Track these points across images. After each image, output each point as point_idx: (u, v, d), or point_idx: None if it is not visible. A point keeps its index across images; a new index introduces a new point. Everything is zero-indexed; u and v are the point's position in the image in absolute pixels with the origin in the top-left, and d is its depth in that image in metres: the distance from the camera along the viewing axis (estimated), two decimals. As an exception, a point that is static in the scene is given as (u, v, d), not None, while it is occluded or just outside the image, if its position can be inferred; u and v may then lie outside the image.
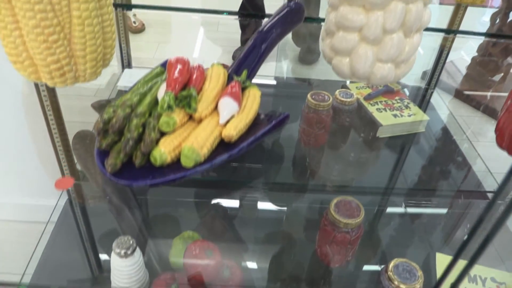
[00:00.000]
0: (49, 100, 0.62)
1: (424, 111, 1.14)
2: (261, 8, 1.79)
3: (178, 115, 0.45)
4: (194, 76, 0.49)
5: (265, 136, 0.50)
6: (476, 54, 1.84)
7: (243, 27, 1.84)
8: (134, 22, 1.90)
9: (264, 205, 0.87)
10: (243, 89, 0.54)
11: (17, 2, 0.50)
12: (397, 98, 1.11)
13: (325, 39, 0.65)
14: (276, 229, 0.83)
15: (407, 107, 1.08)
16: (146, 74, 0.53)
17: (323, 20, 1.07)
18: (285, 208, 0.88)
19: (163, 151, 0.44)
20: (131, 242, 0.49)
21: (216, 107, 0.49)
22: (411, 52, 0.62)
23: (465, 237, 0.79)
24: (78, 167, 0.84)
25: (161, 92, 0.47)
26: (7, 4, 0.51)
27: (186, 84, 0.48)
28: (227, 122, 0.48)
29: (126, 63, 1.32)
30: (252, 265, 0.73)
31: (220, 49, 1.83)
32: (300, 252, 0.78)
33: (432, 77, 1.30)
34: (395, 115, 1.04)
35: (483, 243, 0.70)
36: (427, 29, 0.63)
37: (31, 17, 0.50)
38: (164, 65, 0.55)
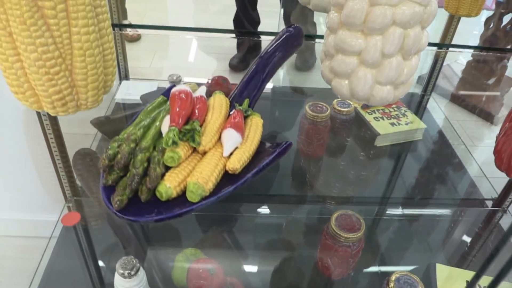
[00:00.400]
0: (51, 126, 0.62)
1: (421, 117, 1.15)
2: (255, 17, 1.79)
3: (182, 149, 0.46)
4: (197, 108, 0.49)
5: (269, 166, 0.50)
6: (471, 58, 1.85)
7: (238, 33, 1.85)
8: (130, 31, 1.89)
9: (264, 217, 0.88)
10: (245, 117, 0.54)
11: (18, 36, 0.50)
12: (394, 106, 1.12)
13: (324, 61, 0.66)
14: (277, 241, 0.83)
15: (404, 115, 1.09)
16: (148, 105, 0.53)
17: (319, 37, 1.08)
18: (285, 220, 0.88)
19: (169, 186, 0.44)
20: (134, 262, 0.49)
21: (219, 138, 0.50)
22: (409, 74, 0.62)
23: (466, 247, 0.80)
24: (78, 183, 0.85)
25: (165, 126, 0.47)
26: (8, 38, 0.51)
27: (189, 117, 0.49)
28: (231, 153, 0.48)
29: (123, 74, 1.32)
30: (254, 279, 0.74)
31: (216, 56, 1.83)
32: (301, 265, 0.78)
33: (428, 84, 1.31)
34: (392, 124, 1.05)
35: (490, 256, 0.71)
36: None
37: (32, 50, 0.50)
38: (165, 94, 0.56)
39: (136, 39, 1.93)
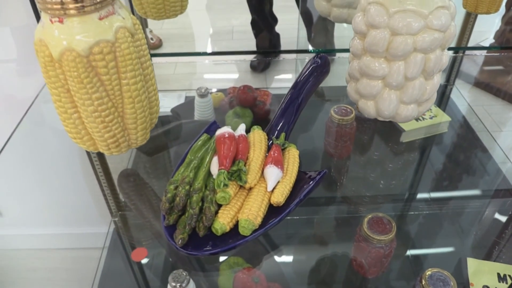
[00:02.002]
0: (97, 154, 0.69)
1: (445, 108, 1.16)
2: (271, 18, 1.81)
3: (231, 189, 0.52)
4: (240, 147, 0.55)
5: (308, 195, 0.55)
6: (493, 41, 1.83)
7: (257, 34, 1.88)
8: (152, 39, 1.94)
9: (297, 220, 0.92)
10: (283, 150, 0.60)
11: (76, 93, 0.56)
12: None
13: (350, 82, 0.70)
14: (311, 243, 0.88)
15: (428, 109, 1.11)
16: (194, 144, 0.59)
17: (338, 51, 1.10)
18: (318, 221, 0.93)
19: (223, 223, 0.50)
20: (184, 275, 0.54)
21: (262, 173, 0.55)
22: (432, 91, 0.66)
23: (497, 238, 0.83)
24: (122, 199, 0.92)
25: (214, 167, 0.53)
26: (67, 94, 0.57)
27: (234, 156, 0.54)
28: (274, 188, 0.54)
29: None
30: (293, 281, 0.79)
31: (237, 58, 1.86)
32: (337, 264, 0.83)
33: (451, 74, 1.32)
34: (417, 119, 1.07)
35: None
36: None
37: (89, 104, 0.56)
38: (207, 131, 0.61)
39: (157, 46, 1.98)
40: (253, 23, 1.83)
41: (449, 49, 1.17)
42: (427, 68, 0.62)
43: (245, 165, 0.54)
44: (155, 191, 0.87)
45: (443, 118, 1.08)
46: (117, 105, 0.59)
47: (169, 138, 1.16)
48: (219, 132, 0.57)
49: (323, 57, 0.66)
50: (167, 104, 1.28)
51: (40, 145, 1.03)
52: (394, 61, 0.61)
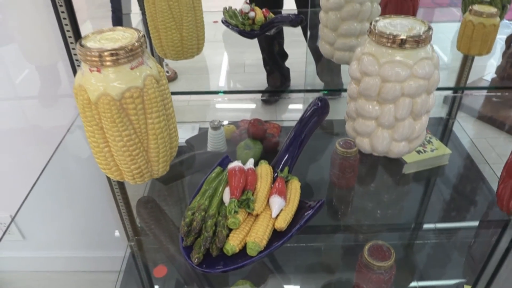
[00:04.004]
0: (117, 182, 0.77)
1: (447, 141, 1.21)
2: (281, 56, 1.91)
3: (241, 215, 0.60)
4: (249, 179, 0.64)
5: (308, 222, 0.63)
6: (495, 75, 1.91)
7: (267, 72, 1.97)
8: (167, 72, 2.05)
9: (303, 247, 0.98)
10: (286, 181, 0.68)
11: (108, 130, 0.65)
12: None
13: (348, 121, 0.78)
14: (316, 268, 0.93)
15: (429, 142, 1.14)
16: (209, 176, 0.67)
17: (344, 90, 1.18)
18: (322, 248, 0.98)
19: (233, 245, 0.58)
20: None
21: (268, 202, 0.64)
22: (421, 130, 0.74)
23: (495, 267, 0.88)
24: (139, 224, 0.99)
25: (226, 197, 0.62)
26: (100, 131, 0.66)
27: (244, 187, 0.63)
28: (278, 215, 0.62)
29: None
30: None
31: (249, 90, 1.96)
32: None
33: (452, 108, 1.38)
34: (418, 151, 1.11)
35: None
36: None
37: (119, 140, 0.65)
38: (220, 164, 0.70)
39: (173, 78, 2.09)
40: (264, 61, 1.94)
41: (449, 89, 1.25)
42: (414, 110, 0.70)
43: (253, 195, 0.62)
44: (170, 217, 0.94)
45: (444, 151, 1.13)
46: (142, 140, 0.68)
47: (183, 168, 1.25)
48: (230, 166, 0.66)
49: (323, 100, 0.75)
50: (181, 135, 1.36)
51: (66, 173, 1.12)
52: (385, 104, 0.70)
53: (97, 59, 0.61)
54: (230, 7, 1.23)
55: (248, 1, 1.21)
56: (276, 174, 0.69)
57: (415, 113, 0.71)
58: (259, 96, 1.94)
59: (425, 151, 1.11)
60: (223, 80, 2.02)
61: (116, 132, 0.65)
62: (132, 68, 0.63)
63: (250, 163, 0.68)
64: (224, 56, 2.16)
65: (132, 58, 0.62)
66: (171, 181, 1.16)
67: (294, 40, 2.05)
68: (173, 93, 1.36)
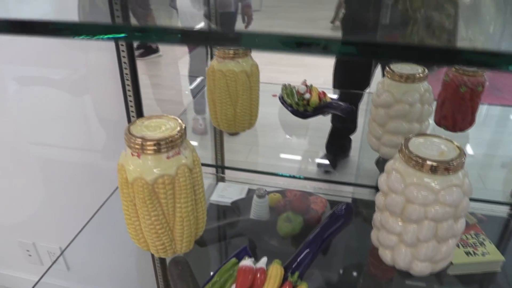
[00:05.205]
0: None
1: (505, 246, 1.12)
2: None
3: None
4: (257, 279, 0.65)
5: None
6: None
7: (331, 134, 1.97)
8: (200, 125, 2.12)
9: None
10: (294, 287, 0.69)
11: (139, 209, 0.71)
12: (472, 232, 1.09)
13: (374, 230, 0.78)
14: None
15: (482, 244, 1.06)
16: (223, 266, 0.70)
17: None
18: None
19: None
20: None
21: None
22: (447, 253, 0.72)
23: None
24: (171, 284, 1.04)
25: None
26: (133, 207, 0.73)
27: (251, 286, 0.65)
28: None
29: (220, 177, 1.54)
30: None
31: (306, 154, 1.98)
32: None
33: (512, 207, 1.28)
34: (467, 253, 1.03)
35: None
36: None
37: (148, 218, 0.71)
38: (237, 255, 0.72)
39: (204, 133, 2.17)
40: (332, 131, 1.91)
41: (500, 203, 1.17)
42: (439, 233, 0.68)
43: (258, 297, 0.64)
44: (195, 280, 0.97)
45: (497, 257, 1.04)
46: (169, 221, 0.73)
47: (222, 232, 1.30)
48: (241, 264, 0.68)
49: (349, 207, 0.76)
50: (229, 194, 1.42)
51: (117, 217, 1.20)
52: (408, 223, 0.69)
53: (138, 146, 0.67)
54: (289, 85, 1.29)
55: (306, 82, 1.25)
56: (287, 277, 0.70)
57: (439, 236, 0.69)
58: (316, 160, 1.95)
59: (475, 254, 1.04)
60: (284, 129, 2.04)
61: (146, 211, 0.70)
62: (168, 158, 0.69)
63: (263, 262, 0.70)
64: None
65: (170, 148, 0.68)
66: (208, 243, 1.20)
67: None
68: (230, 168, 1.43)
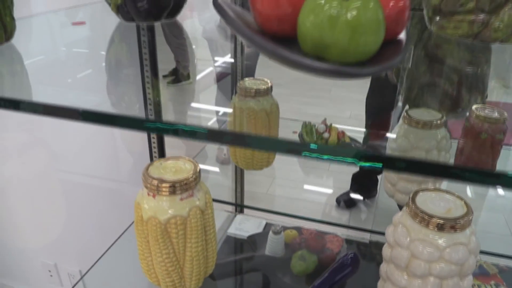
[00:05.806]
0: None
1: None
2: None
3: None
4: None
5: None
6: None
7: (353, 179, 1.97)
8: (224, 154, 2.16)
9: None
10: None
11: (152, 246, 0.74)
12: (492, 283, 1.08)
13: (381, 280, 0.78)
14: None
15: None
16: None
17: None
18: None
19: None
20: None
21: None
22: (454, 307, 0.71)
23: None
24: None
25: None
26: (146, 243, 0.76)
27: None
28: None
29: (239, 208, 1.56)
30: None
31: (328, 190, 1.99)
32: None
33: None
34: None
35: None
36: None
37: (159, 256, 0.74)
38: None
39: (227, 162, 2.20)
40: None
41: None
42: (444, 290, 0.68)
43: None
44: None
45: None
46: (179, 259, 0.76)
47: (236, 266, 1.31)
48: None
49: (354, 258, 0.77)
50: (246, 228, 1.43)
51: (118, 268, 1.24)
52: (413, 277, 0.69)
53: (154, 187, 0.71)
54: (309, 122, 1.31)
55: (326, 121, 1.27)
56: None
57: (445, 293, 0.69)
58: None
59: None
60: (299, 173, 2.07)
61: (158, 249, 0.74)
62: (181, 199, 0.72)
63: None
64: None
65: (184, 191, 0.72)
66: (220, 277, 1.22)
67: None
68: (248, 207, 1.46)
